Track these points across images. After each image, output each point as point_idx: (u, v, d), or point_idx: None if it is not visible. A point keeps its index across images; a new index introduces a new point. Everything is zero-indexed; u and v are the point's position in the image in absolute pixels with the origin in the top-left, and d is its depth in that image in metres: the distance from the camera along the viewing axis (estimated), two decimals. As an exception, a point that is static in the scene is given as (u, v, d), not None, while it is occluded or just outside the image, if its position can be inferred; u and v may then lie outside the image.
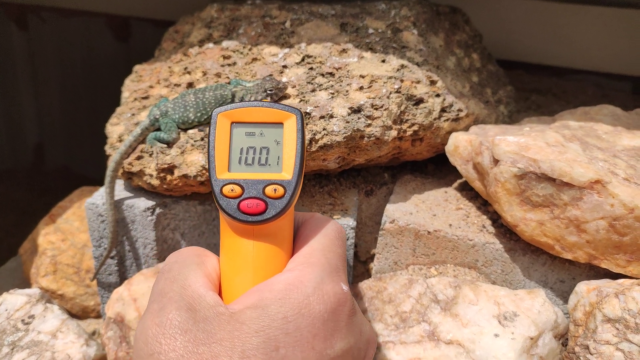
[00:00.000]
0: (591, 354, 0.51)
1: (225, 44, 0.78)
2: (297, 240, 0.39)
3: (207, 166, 0.37)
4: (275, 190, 0.36)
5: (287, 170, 0.36)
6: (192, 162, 0.63)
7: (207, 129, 0.67)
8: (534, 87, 1.20)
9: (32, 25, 1.61)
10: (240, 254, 0.36)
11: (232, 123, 0.37)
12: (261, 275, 0.35)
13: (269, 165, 0.37)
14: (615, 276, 0.58)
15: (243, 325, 0.31)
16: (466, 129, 0.73)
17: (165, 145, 0.65)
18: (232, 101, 0.66)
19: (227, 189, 0.36)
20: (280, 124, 0.37)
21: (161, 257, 0.70)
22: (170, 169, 0.64)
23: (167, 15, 1.32)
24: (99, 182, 0.68)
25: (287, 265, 0.36)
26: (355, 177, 0.76)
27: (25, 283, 0.91)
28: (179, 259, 0.37)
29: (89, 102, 1.69)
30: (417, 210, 0.68)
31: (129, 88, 0.78)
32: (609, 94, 1.19)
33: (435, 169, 0.81)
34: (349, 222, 0.66)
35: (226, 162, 0.37)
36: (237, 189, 0.36)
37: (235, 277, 0.36)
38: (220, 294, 0.37)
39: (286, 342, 0.31)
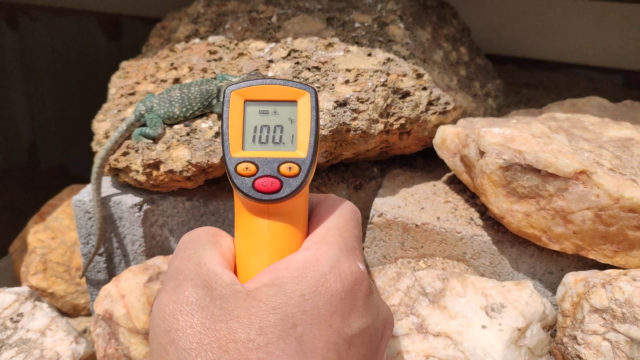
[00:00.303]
0: (579, 344, 0.51)
1: (211, 39, 0.77)
2: (312, 220, 0.38)
3: (221, 144, 0.37)
4: (290, 168, 0.35)
5: (302, 149, 0.36)
6: (177, 157, 0.63)
7: (191, 120, 0.66)
8: (526, 81, 1.20)
9: (22, 24, 1.61)
10: (255, 233, 0.36)
11: (246, 101, 0.37)
12: (277, 254, 0.35)
13: (283, 143, 0.36)
14: (603, 267, 0.58)
15: (260, 303, 0.31)
16: (454, 122, 0.73)
17: (151, 141, 0.65)
18: (218, 96, 0.66)
19: (241, 167, 0.35)
20: (294, 102, 0.37)
21: (149, 253, 0.70)
22: (156, 165, 0.63)
23: (158, 13, 1.32)
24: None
25: (302, 245, 0.36)
26: (344, 172, 0.76)
27: (16, 282, 0.90)
28: (194, 238, 0.37)
29: (82, 101, 1.68)
30: (405, 203, 0.67)
31: (116, 84, 0.78)
32: (600, 87, 1.19)
33: (425, 162, 0.81)
34: (337, 216, 0.66)
35: (240, 140, 0.36)
36: (252, 167, 0.35)
37: (251, 256, 0.36)
38: (235, 273, 0.36)
39: (303, 320, 0.31)
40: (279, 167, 0.35)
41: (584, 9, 1.14)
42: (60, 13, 1.56)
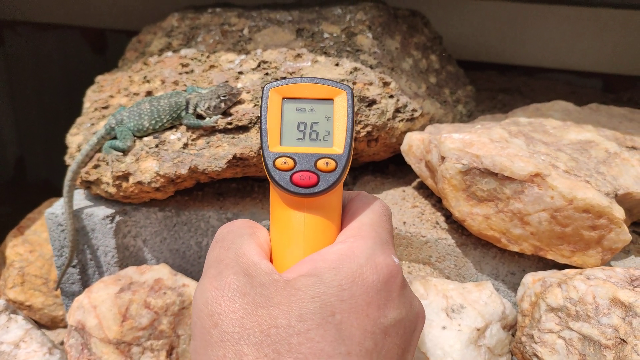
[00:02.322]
0: (536, 342, 0.52)
1: (183, 52, 0.79)
2: (345, 215, 0.39)
3: (260, 139, 0.38)
4: (327, 163, 0.36)
5: (338, 145, 0.37)
6: (146, 168, 0.64)
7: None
8: (503, 87, 1.22)
9: (8, 40, 1.62)
10: (292, 226, 0.37)
11: (284, 98, 0.38)
12: (312, 246, 0.36)
13: (320, 140, 0.37)
14: (562, 267, 0.59)
15: (299, 291, 0.32)
16: (422, 128, 0.75)
17: (121, 154, 0.66)
18: (187, 108, 0.67)
19: (279, 162, 0.36)
20: (330, 100, 0.38)
21: (122, 264, 0.71)
22: (125, 176, 0.64)
23: (142, 27, 1.33)
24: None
25: (337, 238, 0.37)
26: (316, 179, 0.77)
27: (-5, 296, 0.91)
28: (232, 229, 0.38)
29: (68, 114, 1.69)
30: (373, 209, 0.69)
31: (90, 98, 0.79)
32: (578, 92, 1.21)
33: (396, 169, 0.83)
34: (306, 223, 0.67)
35: (278, 136, 0.37)
36: (290, 162, 0.36)
37: (287, 248, 0.37)
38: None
39: (342, 309, 0.32)
40: (316, 162, 0.36)
41: (562, 14, 1.16)
42: (46, 28, 1.57)
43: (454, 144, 0.59)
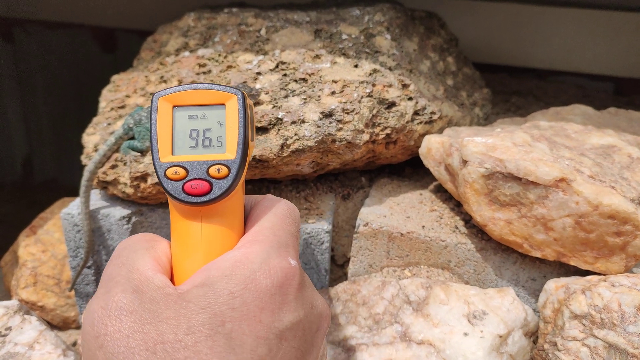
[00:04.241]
0: (559, 350, 0.52)
1: (200, 52, 0.78)
2: (248, 221, 0.39)
3: (151, 150, 0.37)
4: (219, 170, 0.36)
5: (231, 150, 0.36)
6: (164, 169, 0.63)
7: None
8: (516, 89, 1.21)
9: (18, 38, 1.62)
10: (190, 237, 0.36)
11: (174, 107, 0.37)
12: (211, 256, 0.36)
13: (213, 146, 0.37)
14: (584, 273, 0.58)
15: (189, 304, 0.32)
16: (440, 131, 0.74)
17: (139, 154, 0.66)
18: None
19: (170, 172, 0.36)
20: (222, 105, 0.37)
21: (138, 265, 0.70)
22: (143, 177, 0.64)
23: (152, 26, 1.33)
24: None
25: (236, 245, 0.37)
26: (333, 182, 0.77)
27: (7, 295, 0.91)
28: (128, 245, 0.37)
29: (76, 114, 1.69)
30: (391, 212, 0.68)
31: (106, 98, 0.78)
32: (590, 95, 1.20)
33: (413, 172, 0.82)
34: (324, 226, 0.66)
35: (169, 145, 0.37)
36: (181, 171, 0.36)
37: (186, 259, 0.36)
38: (172, 278, 0.37)
39: (232, 317, 0.31)
40: (208, 169, 0.36)
41: (573, 17, 1.16)
42: (56, 27, 1.57)
43: (477, 148, 0.58)
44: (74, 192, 1.07)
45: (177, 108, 0.37)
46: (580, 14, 1.16)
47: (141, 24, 1.42)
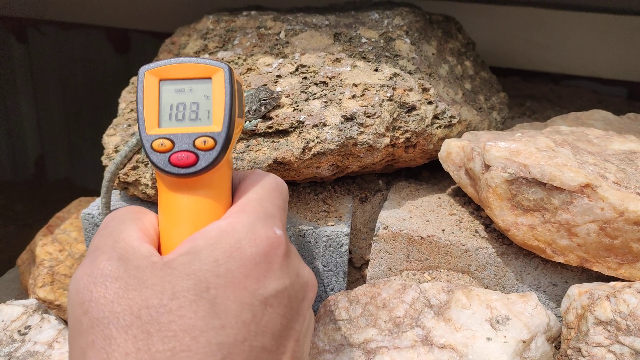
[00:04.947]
0: (583, 356, 0.51)
1: (220, 54, 0.79)
2: (235, 194, 0.39)
3: (137, 123, 0.38)
4: (205, 142, 0.36)
5: (217, 123, 0.37)
6: (186, 171, 0.63)
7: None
8: (529, 94, 1.21)
9: (31, 38, 1.63)
10: (176, 209, 0.37)
11: (161, 80, 0.38)
12: (198, 228, 0.36)
13: (200, 119, 0.37)
14: (607, 279, 0.58)
15: (174, 271, 0.32)
16: (459, 135, 0.74)
17: (161, 155, 0.66)
18: None
19: (156, 144, 0.36)
20: (208, 79, 0.38)
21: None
22: (165, 178, 0.64)
23: (165, 28, 1.34)
24: (99, 194, 0.69)
25: (223, 216, 0.37)
26: (350, 184, 0.77)
27: (23, 294, 0.91)
28: (116, 217, 0.38)
29: (89, 114, 1.70)
30: (411, 216, 0.68)
31: (126, 99, 0.79)
32: (604, 100, 1.20)
33: (430, 175, 0.82)
34: (343, 228, 0.66)
35: (156, 118, 0.37)
36: (167, 143, 0.36)
37: (172, 231, 0.37)
38: (159, 250, 0.37)
39: (217, 284, 0.32)
40: (194, 141, 0.36)
41: (587, 21, 1.15)
42: (70, 27, 1.58)
43: (500, 153, 0.58)
44: (86, 191, 1.08)
45: (163, 82, 0.38)
46: (594, 18, 1.15)
47: (154, 26, 1.42)
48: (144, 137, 0.37)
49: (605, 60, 1.20)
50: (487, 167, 0.59)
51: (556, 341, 0.57)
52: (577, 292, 0.56)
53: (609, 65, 1.21)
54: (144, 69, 0.38)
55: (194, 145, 0.36)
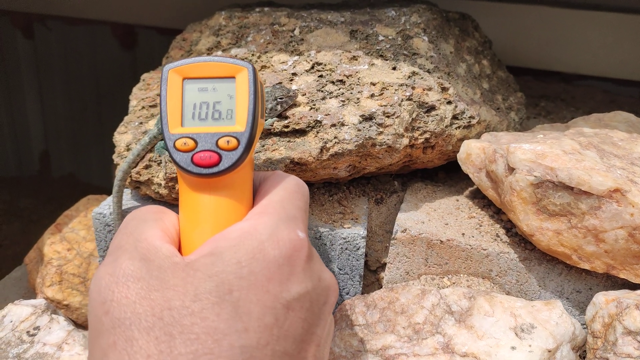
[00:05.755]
0: (612, 367, 0.50)
1: (233, 51, 0.77)
2: (257, 195, 0.39)
3: (160, 122, 0.37)
4: (228, 142, 0.36)
5: (240, 123, 0.36)
6: (201, 170, 0.62)
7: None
8: (543, 93, 1.19)
9: (38, 33, 1.62)
10: (198, 209, 0.36)
11: (184, 79, 0.37)
12: (219, 229, 0.35)
13: (223, 119, 0.37)
14: (633, 286, 0.57)
15: (197, 272, 0.32)
16: (478, 136, 0.72)
17: (174, 154, 0.64)
18: None
19: (179, 143, 0.36)
20: (232, 78, 0.37)
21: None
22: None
23: (172, 24, 1.32)
24: (105, 191, 0.68)
25: (245, 217, 0.37)
26: (365, 185, 0.75)
27: (31, 293, 0.90)
28: (137, 216, 0.37)
29: (95, 110, 1.69)
30: (429, 219, 0.66)
31: (137, 96, 0.77)
32: (617, 100, 1.19)
33: (446, 176, 0.80)
34: (360, 231, 0.65)
35: (179, 117, 0.37)
36: (190, 143, 0.36)
37: (194, 231, 0.36)
38: (180, 250, 0.37)
39: (240, 286, 0.31)
40: (217, 141, 0.36)
41: (601, 20, 1.14)
42: (76, 23, 1.57)
43: (525, 155, 0.56)
44: (93, 188, 1.07)
45: (187, 80, 0.37)
46: (607, 17, 1.13)
47: (161, 21, 1.41)
48: (167, 136, 0.36)
49: (619, 60, 1.18)
50: (511, 169, 0.58)
51: (581, 350, 0.55)
52: (604, 300, 0.54)
53: (623, 65, 1.19)
54: (167, 67, 0.37)
55: (217, 145, 0.36)
